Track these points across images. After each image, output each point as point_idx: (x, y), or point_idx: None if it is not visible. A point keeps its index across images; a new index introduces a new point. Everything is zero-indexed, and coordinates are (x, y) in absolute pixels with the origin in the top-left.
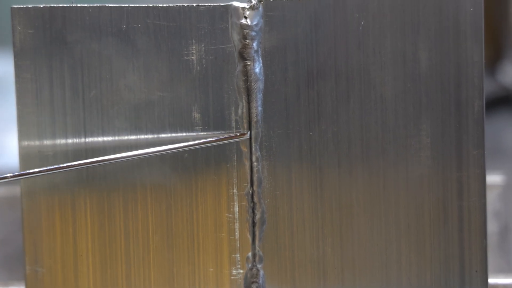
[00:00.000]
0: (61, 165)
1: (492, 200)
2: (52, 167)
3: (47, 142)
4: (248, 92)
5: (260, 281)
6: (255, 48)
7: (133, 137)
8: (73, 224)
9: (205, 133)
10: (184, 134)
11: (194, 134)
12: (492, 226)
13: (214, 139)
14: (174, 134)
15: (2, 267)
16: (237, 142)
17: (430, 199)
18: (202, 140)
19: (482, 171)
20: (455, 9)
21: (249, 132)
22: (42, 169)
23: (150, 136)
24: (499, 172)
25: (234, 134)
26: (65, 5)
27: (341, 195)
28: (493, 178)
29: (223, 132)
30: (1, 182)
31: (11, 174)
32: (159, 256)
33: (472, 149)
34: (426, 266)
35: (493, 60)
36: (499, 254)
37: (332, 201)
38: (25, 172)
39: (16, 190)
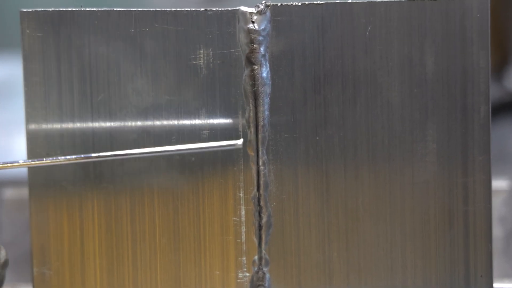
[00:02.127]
0: (68, 157)
1: (497, 205)
2: (61, 158)
3: (55, 144)
4: (255, 97)
5: (266, 285)
6: (262, 53)
7: (141, 140)
8: (80, 227)
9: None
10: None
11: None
12: (497, 231)
13: (208, 145)
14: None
15: (10, 269)
16: (244, 146)
17: (436, 204)
18: (196, 145)
19: (487, 176)
20: (461, 15)
21: (242, 140)
22: (50, 159)
23: (157, 139)
24: (505, 177)
25: (228, 143)
26: (74, 9)
27: (347, 199)
28: (499, 184)
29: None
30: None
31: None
32: (166, 259)
33: (478, 154)
34: (432, 271)
35: (500, 66)
36: (504, 259)
37: (338, 206)
38: (34, 161)
39: (24, 192)
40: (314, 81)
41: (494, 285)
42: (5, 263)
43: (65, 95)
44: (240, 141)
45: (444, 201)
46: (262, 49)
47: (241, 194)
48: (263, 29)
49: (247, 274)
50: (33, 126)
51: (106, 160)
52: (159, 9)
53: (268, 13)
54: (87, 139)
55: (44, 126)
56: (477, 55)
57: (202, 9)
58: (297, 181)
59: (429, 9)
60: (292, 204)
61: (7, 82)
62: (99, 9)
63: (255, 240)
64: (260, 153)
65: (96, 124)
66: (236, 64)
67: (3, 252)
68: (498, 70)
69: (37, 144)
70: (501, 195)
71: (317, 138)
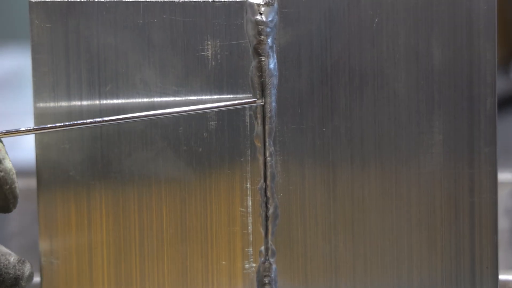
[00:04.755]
0: (76, 122)
1: (504, 198)
2: (67, 123)
3: (64, 134)
4: (263, 88)
5: (273, 275)
6: (270, 44)
7: (148, 131)
8: (88, 217)
9: (217, 96)
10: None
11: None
12: (503, 223)
13: (226, 103)
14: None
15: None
16: (251, 137)
17: (442, 195)
18: (214, 104)
19: (493, 168)
20: (468, 6)
21: (263, 99)
22: (55, 125)
23: (164, 130)
24: (511, 170)
25: (247, 101)
26: (82, 0)
27: (353, 190)
28: (506, 176)
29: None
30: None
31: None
32: (173, 249)
33: (484, 146)
34: (437, 262)
35: (507, 60)
36: (510, 251)
37: (344, 197)
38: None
39: (32, 182)
40: (321, 72)
41: (500, 277)
42: (30, 277)
43: (73, 86)
44: (261, 100)
45: (450, 192)
46: (269, 40)
47: (248, 185)
48: (271, 21)
49: (254, 265)
50: (41, 117)
51: (113, 150)
52: (167, 0)
53: (275, 5)
54: (95, 129)
55: (52, 116)
56: (483, 47)
57: (210, 0)
58: (304, 172)
59: (436, 1)
60: (299, 195)
61: (16, 73)
62: None
63: (262, 231)
64: (267, 144)
65: (104, 114)
66: (244, 56)
67: (28, 266)
68: (505, 64)
69: (45, 135)
70: (507, 187)
71: (324, 129)
